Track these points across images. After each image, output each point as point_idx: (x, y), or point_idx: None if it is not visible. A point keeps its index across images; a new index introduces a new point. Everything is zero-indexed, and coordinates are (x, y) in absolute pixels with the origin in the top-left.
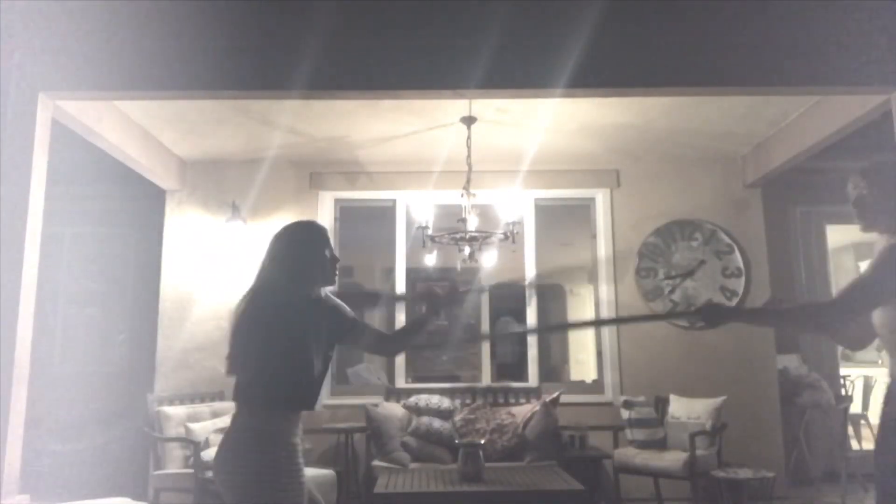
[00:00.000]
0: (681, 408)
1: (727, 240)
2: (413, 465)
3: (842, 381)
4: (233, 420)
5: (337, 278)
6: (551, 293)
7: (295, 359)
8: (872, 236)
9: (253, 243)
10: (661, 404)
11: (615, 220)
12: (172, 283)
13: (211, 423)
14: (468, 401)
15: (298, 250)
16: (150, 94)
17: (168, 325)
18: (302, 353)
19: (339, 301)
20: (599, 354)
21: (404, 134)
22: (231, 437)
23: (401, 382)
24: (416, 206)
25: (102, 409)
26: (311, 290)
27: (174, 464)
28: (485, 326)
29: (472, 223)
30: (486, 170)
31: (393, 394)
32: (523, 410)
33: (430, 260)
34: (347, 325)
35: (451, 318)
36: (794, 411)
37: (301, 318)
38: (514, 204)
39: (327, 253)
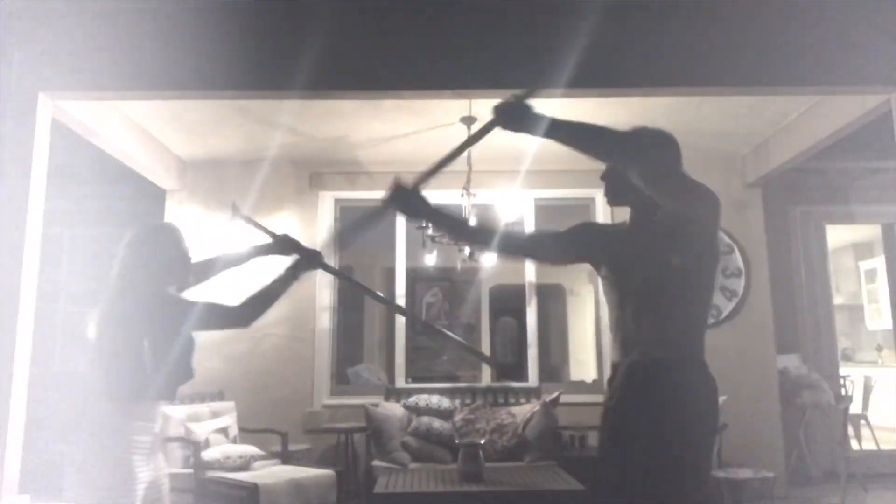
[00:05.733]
0: None
1: (727, 240)
2: (413, 465)
3: (842, 381)
4: None
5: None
6: (551, 293)
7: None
8: (872, 236)
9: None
10: None
11: (615, 219)
12: None
13: (211, 423)
14: (468, 401)
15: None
16: (150, 94)
17: None
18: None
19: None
20: (599, 354)
21: (404, 134)
22: None
23: (401, 382)
24: None
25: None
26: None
27: (174, 464)
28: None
29: (472, 223)
30: (486, 170)
31: (393, 394)
32: (523, 410)
33: (430, 260)
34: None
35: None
36: (794, 411)
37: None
38: (514, 204)
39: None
